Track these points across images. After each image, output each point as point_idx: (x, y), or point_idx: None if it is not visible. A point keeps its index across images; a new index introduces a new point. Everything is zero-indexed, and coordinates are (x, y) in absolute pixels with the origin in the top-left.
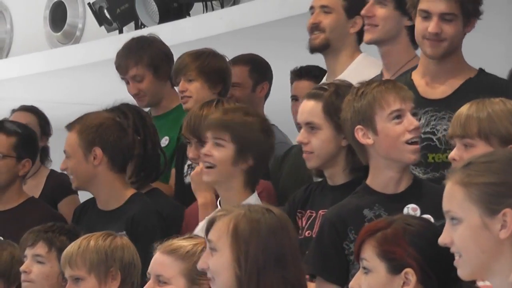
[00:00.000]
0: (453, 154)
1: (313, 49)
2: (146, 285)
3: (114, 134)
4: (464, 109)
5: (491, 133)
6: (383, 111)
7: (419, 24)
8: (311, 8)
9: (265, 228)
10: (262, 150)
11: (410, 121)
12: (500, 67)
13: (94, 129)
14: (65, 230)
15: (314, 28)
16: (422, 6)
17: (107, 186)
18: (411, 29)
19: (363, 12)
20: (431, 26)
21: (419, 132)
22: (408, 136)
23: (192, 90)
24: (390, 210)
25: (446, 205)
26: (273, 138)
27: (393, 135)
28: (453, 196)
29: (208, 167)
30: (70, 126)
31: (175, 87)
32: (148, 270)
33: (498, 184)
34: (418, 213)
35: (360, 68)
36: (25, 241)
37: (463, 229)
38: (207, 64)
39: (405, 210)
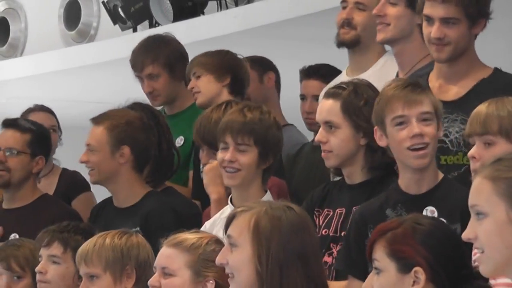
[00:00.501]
0: (472, 152)
1: (342, 44)
2: (152, 278)
3: (143, 135)
4: (482, 107)
5: None
6: (388, 116)
7: (425, 28)
8: (344, 1)
9: (286, 225)
10: (280, 147)
11: (411, 127)
12: (502, 66)
13: (125, 128)
14: (80, 230)
15: (346, 23)
16: (425, 11)
17: (127, 184)
18: None
19: (374, 11)
20: (433, 31)
21: (422, 139)
22: (408, 143)
23: (199, 85)
24: (410, 211)
25: (472, 199)
26: (282, 131)
27: (397, 140)
28: (481, 190)
29: (231, 172)
30: (97, 120)
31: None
32: (154, 264)
33: None
34: (435, 216)
35: (385, 67)
36: (39, 241)
37: (488, 224)
38: (211, 57)
39: (424, 213)
